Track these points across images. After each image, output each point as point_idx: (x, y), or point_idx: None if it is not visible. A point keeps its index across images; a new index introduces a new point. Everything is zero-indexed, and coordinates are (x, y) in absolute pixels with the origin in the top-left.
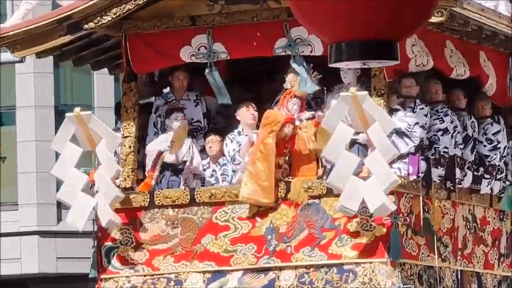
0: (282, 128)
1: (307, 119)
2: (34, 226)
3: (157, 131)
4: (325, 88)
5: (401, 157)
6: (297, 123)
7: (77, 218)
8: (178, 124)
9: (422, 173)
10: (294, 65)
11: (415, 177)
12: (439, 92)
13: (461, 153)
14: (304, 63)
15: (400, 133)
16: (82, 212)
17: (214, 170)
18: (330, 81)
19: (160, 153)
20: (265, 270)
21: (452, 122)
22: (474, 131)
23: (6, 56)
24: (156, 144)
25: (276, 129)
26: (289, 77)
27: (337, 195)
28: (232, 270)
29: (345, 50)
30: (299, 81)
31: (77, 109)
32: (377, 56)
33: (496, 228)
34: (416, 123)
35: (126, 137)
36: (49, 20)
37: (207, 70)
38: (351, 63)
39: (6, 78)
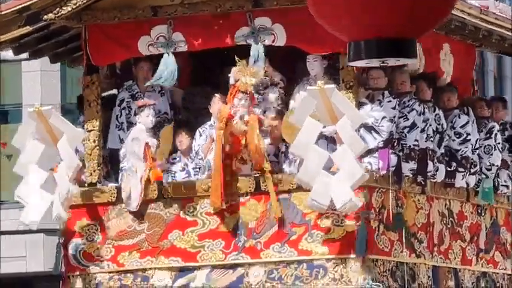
0: (228, 125)
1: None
2: (40, 224)
3: (119, 124)
4: (284, 79)
5: (371, 152)
6: (245, 117)
7: (31, 215)
8: (151, 120)
9: (392, 167)
10: (253, 46)
11: (385, 171)
12: (406, 83)
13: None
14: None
15: (368, 127)
16: (38, 209)
17: (185, 164)
18: (297, 72)
19: (148, 145)
20: (234, 266)
21: (421, 115)
22: (439, 124)
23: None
24: (129, 145)
25: (222, 125)
26: (233, 72)
27: (308, 190)
28: (199, 266)
29: (364, 49)
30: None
31: (37, 105)
32: (396, 54)
33: (474, 223)
34: (384, 118)
35: (90, 131)
36: (8, 11)
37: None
38: (370, 61)
39: (12, 76)
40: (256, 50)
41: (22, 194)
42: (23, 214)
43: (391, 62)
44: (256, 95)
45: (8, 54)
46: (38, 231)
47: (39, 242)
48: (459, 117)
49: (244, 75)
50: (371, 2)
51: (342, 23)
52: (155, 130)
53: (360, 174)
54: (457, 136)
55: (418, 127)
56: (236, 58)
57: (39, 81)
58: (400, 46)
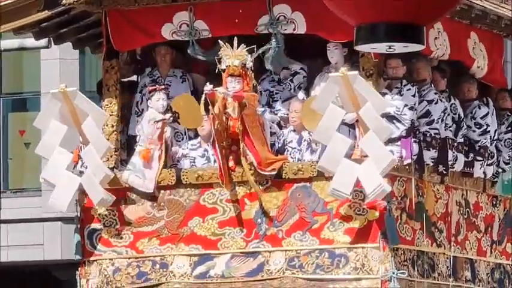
0: (214, 108)
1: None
2: (57, 212)
3: (139, 111)
4: (305, 68)
5: (393, 140)
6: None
7: (60, 198)
8: (161, 104)
9: (415, 155)
10: (274, 44)
11: (409, 160)
12: (421, 71)
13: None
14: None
15: (389, 117)
16: (66, 193)
17: (205, 150)
18: (316, 63)
19: (163, 125)
20: (254, 253)
21: (437, 103)
22: (455, 114)
23: (32, 41)
24: (145, 127)
25: (212, 110)
26: (235, 54)
27: (329, 178)
28: (219, 254)
29: (371, 32)
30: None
31: (62, 85)
32: (403, 39)
33: (488, 214)
34: (405, 106)
35: (108, 115)
36: None
37: (189, 49)
38: (377, 45)
39: (31, 64)
40: (276, 40)
41: (48, 177)
42: (52, 198)
43: (398, 47)
44: (267, 83)
45: (27, 42)
46: (56, 219)
47: (57, 230)
48: (479, 108)
49: (230, 58)
50: None
51: (351, 6)
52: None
53: (390, 159)
54: (477, 127)
55: (431, 115)
56: (220, 42)
57: (58, 69)
58: (408, 32)
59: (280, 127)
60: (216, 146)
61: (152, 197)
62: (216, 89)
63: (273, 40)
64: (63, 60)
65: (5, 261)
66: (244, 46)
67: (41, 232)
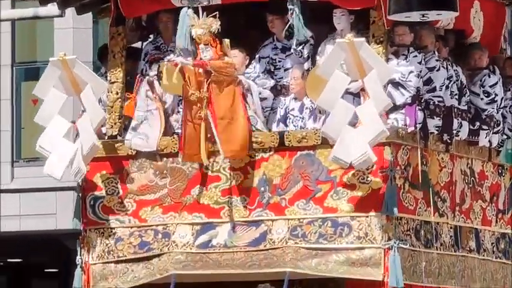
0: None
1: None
2: (71, 182)
3: (143, 78)
4: (313, 36)
5: (398, 108)
6: None
7: (55, 166)
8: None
9: (419, 123)
10: (291, 7)
11: (412, 128)
12: (424, 38)
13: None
14: (299, 9)
15: (395, 83)
16: (61, 160)
17: None
18: (321, 29)
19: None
20: (257, 222)
21: (439, 70)
22: (457, 80)
23: (45, 10)
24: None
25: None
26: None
27: (333, 146)
28: (222, 223)
29: (405, 1)
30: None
31: (61, 53)
32: (437, 7)
33: (494, 183)
34: (411, 72)
35: (113, 82)
36: None
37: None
38: (410, 14)
39: (45, 33)
40: (294, 6)
41: (44, 145)
42: (46, 166)
43: (432, 15)
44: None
45: (41, 10)
46: (69, 188)
47: (69, 199)
48: (489, 77)
49: (195, 27)
50: None
51: None
52: None
53: (380, 130)
54: (486, 95)
55: (433, 83)
56: (187, 11)
57: (71, 38)
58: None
59: (282, 95)
60: (183, 115)
61: (155, 165)
62: (175, 59)
63: (290, 6)
64: (76, 29)
65: (17, 230)
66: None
67: (54, 201)
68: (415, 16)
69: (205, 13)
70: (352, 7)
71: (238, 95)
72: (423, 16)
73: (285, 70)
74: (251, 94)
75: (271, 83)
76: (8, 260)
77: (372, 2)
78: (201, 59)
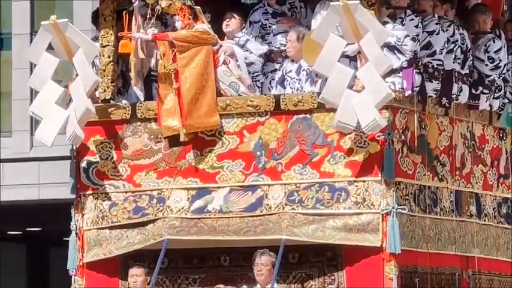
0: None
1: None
2: None
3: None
4: None
5: (395, 71)
6: None
7: (46, 132)
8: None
9: (417, 87)
10: None
11: (410, 92)
12: (422, 2)
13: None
14: None
15: (390, 47)
16: (53, 126)
17: None
18: None
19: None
20: (253, 187)
21: (438, 33)
22: (463, 44)
23: None
24: None
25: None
26: None
27: (329, 110)
28: (218, 188)
29: None
30: None
31: (53, 17)
32: None
33: (495, 147)
34: (407, 36)
35: (104, 46)
36: None
37: None
38: None
39: (63, 2)
40: None
41: (37, 110)
42: (38, 131)
43: None
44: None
45: None
46: None
47: None
48: (493, 42)
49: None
50: None
51: None
52: None
53: (385, 92)
54: (490, 61)
55: (432, 47)
56: None
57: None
58: None
59: (272, 60)
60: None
61: (150, 130)
62: (132, 34)
63: None
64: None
65: (36, 198)
66: None
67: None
68: None
69: None
70: None
71: (210, 63)
72: None
73: (274, 35)
74: (236, 60)
75: (264, 48)
76: (27, 229)
77: None
78: (172, 30)
